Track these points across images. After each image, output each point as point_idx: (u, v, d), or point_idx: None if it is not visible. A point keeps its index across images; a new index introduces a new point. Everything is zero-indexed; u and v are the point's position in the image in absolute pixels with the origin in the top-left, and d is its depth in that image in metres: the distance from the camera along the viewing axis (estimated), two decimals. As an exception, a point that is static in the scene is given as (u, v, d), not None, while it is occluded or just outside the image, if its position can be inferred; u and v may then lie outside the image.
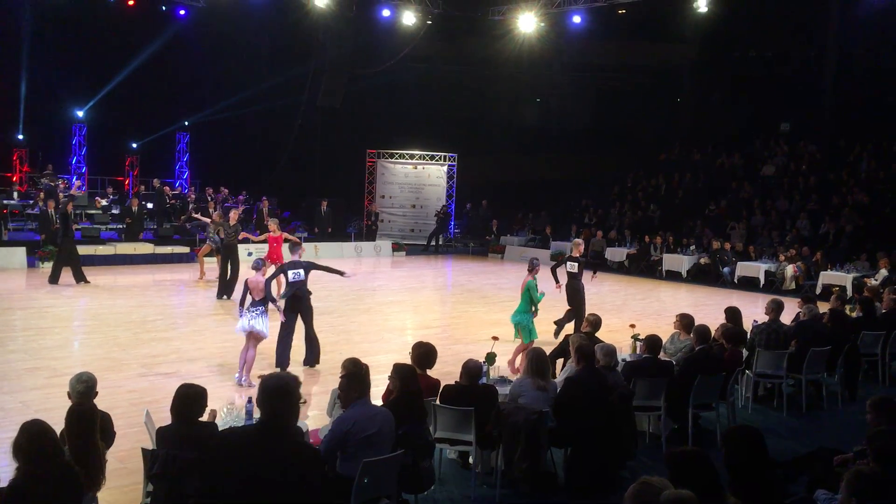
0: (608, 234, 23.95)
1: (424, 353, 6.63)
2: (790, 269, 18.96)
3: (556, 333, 11.63)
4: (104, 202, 23.39)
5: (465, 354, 7.66)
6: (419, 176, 27.91)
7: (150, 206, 23.55)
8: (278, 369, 9.29)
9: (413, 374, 5.97)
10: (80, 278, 16.03)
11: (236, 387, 8.95)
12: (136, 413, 7.13)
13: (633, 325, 9.54)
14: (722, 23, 23.30)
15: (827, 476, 5.23)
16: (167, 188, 24.87)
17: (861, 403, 8.30)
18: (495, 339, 8.51)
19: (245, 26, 24.68)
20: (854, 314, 11.01)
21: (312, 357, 9.99)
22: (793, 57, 29.60)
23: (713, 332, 8.31)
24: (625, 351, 8.81)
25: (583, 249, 12.38)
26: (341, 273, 10.17)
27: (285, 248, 10.56)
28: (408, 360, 6.48)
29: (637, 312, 15.21)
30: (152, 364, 9.96)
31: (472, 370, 6.48)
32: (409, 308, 15.72)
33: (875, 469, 4.30)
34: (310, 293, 9.94)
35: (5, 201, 21.78)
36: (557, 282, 12.18)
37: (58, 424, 4.67)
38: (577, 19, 23.95)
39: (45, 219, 18.56)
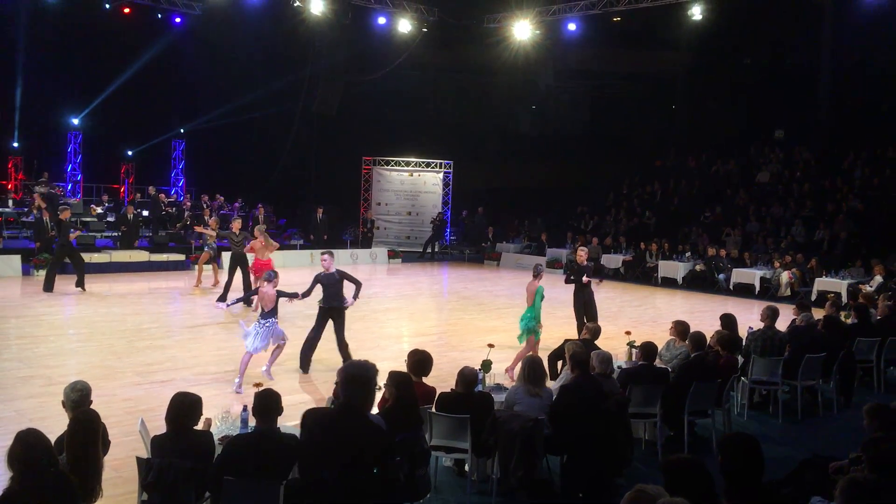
0: (604, 241, 23.99)
1: (420, 361, 6.63)
2: (785, 276, 19.00)
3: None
4: (99, 210, 23.34)
5: (461, 362, 7.65)
6: (415, 183, 27.94)
7: (145, 213, 23.53)
8: (301, 371, 10.02)
9: (409, 382, 5.97)
10: (80, 284, 16.03)
11: (232, 395, 8.93)
12: (131, 421, 7.10)
13: (628, 332, 9.55)
14: (716, 30, 23.38)
15: (822, 483, 5.23)
16: (163, 196, 24.84)
17: (856, 410, 8.32)
18: (491, 346, 8.50)
19: (241, 34, 24.70)
20: (849, 321, 11.02)
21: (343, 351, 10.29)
22: (787, 64, 29.72)
23: (708, 339, 8.32)
24: (620, 358, 8.82)
25: (586, 257, 12.39)
26: (356, 285, 10.53)
27: (318, 257, 10.86)
28: (403, 368, 6.48)
29: (633, 319, 15.21)
30: (147, 372, 9.93)
31: (467, 378, 6.48)
32: (404, 315, 15.70)
33: (870, 476, 4.30)
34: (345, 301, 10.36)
35: (0, 209, 21.74)
36: (599, 280, 12.57)
37: (53, 433, 4.66)
38: (572, 27, 24.05)
39: (40, 227, 18.52)
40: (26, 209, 21.89)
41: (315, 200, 25.81)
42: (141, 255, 20.09)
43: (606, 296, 18.54)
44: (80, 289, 15.96)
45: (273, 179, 28.86)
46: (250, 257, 15.44)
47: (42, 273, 17.19)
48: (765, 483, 4.29)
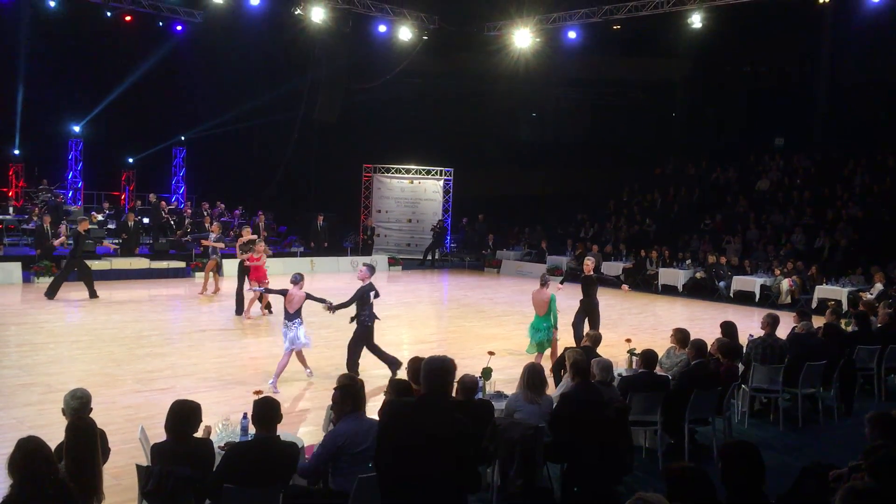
0: (604, 249, 23.98)
1: (420, 369, 6.61)
2: (786, 284, 19.00)
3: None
4: (100, 217, 23.37)
5: (461, 369, 7.63)
6: (415, 190, 27.95)
7: (146, 220, 23.54)
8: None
9: (409, 390, 5.96)
10: (93, 294, 16.07)
11: (233, 402, 8.90)
12: (131, 429, 7.09)
13: (629, 340, 9.55)
14: (716, 38, 23.41)
15: (822, 491, 5.22)
16: (163, 203, 24.86)
17: (857, 418, 8.32)
18: (491, 353, 8.49)
19: (242, 41, 24.76)
20: (849, 328, 11.01)
21: (394, 364, 10.36)
22: (786, 72, 29.77)
23: (709, 347, 8.31)
24: (621, 365, 8.81)
25: (593, 266, 12.38)
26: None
27: (360, 267, 10.85)
28: (404, 375, 6.47)
29: (633, 327, 15.21)
30: (147, 380, 9.93)
31: (467, 385, 6.47)
32: (405, 323, 15.69)
33: (870, 485, 4.29)
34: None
35: (0, 216, 21.76)
36: (624, 286, 12.67)
37: (52, 441, 4.65)
38: (572, 35, 24.09)
39: (41, 234, 18.55)
40: (27, 216, 21.93)
41: (315, 208, 25.82)
42: (141, 263, 20.08)
43: (607, 303, 18.46)
44: (94, 297, 15.99)
45: (273, 187, 28.89)
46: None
47: (43, 280, 17.30)
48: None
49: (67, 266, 16.24)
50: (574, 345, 10.35)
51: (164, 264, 20.37)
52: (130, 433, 6.87)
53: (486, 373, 7.51)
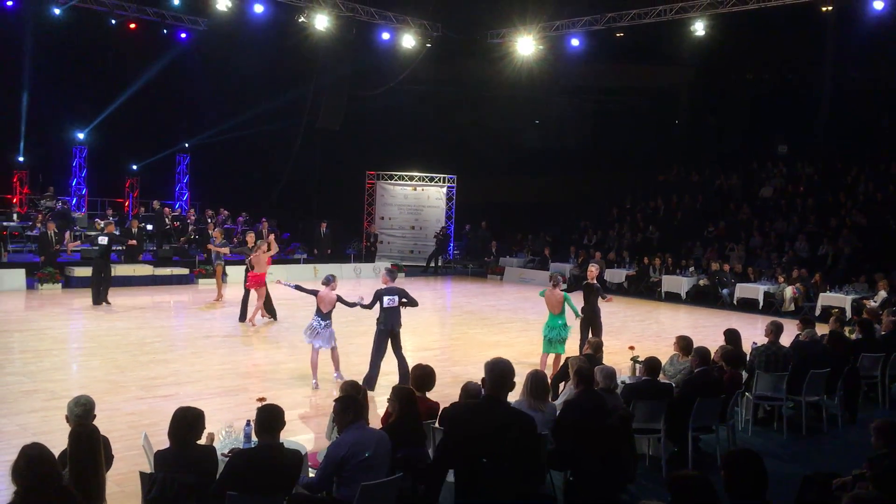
0: (607, 256, 23.97)
1: (423, 376, 6.62)
2: (789, 291, 18.97)
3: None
4: (104, 224, 23.41)
5: (465, 377, 7.66)
6: (418, 197, 27.99)
7: (149, 227, 23.59)
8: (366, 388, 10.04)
9: (412, 397, 5.96)
10: (103, 299, 16.37)
11: (234, 409, 8.89)
12: (135, 436, 7.10)
13: (632, 347, 9.54)
14: (719, 46, 23.43)
15: (825, 500, 5.21)
16: (167, 210, 24.93)
17: (861, 426, 8.30)
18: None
19: (245, 49, 24.82)
20: (853, 336, 11.00)
21: (404, 377, 10.16)
22: (790, 79, 29.79)
23: (712, 354, 8.30)
24: (624, 373, 8.80)
25: (596, 273, 12.37)
26: (414, 304, 10.58)
27: (382, 271, 11.01)
28: (407, 383, 6.47)
29: (636, 334, 15.20)
30: (151, 386, 9.94)
31: (471, 393, 6.46)
32: (407, 330, 15.56)
33: (874, 493, 4.29)
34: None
35: (5, 223, 21.81)
36: (609, 296, 12.41)
37: (56, 447, 4.66)
38: (575, 42, 24.12)
39: (45, 241, 18.60)
40: (31, 223, 21.98)
41: (319, 214, 25.85)
42: (145, 269, 20.12)
43: (610, 310, 18.47)
44: (98, 304, 16.24)
45: (277, 194, 28.94)
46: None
47: (47, 287, 17.71)
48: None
49: (97, 269, 16.58)
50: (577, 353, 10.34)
51: (167, 271, 20.43)
52: (134, 440, 6.89)
53: (490, 380, 7.49)
